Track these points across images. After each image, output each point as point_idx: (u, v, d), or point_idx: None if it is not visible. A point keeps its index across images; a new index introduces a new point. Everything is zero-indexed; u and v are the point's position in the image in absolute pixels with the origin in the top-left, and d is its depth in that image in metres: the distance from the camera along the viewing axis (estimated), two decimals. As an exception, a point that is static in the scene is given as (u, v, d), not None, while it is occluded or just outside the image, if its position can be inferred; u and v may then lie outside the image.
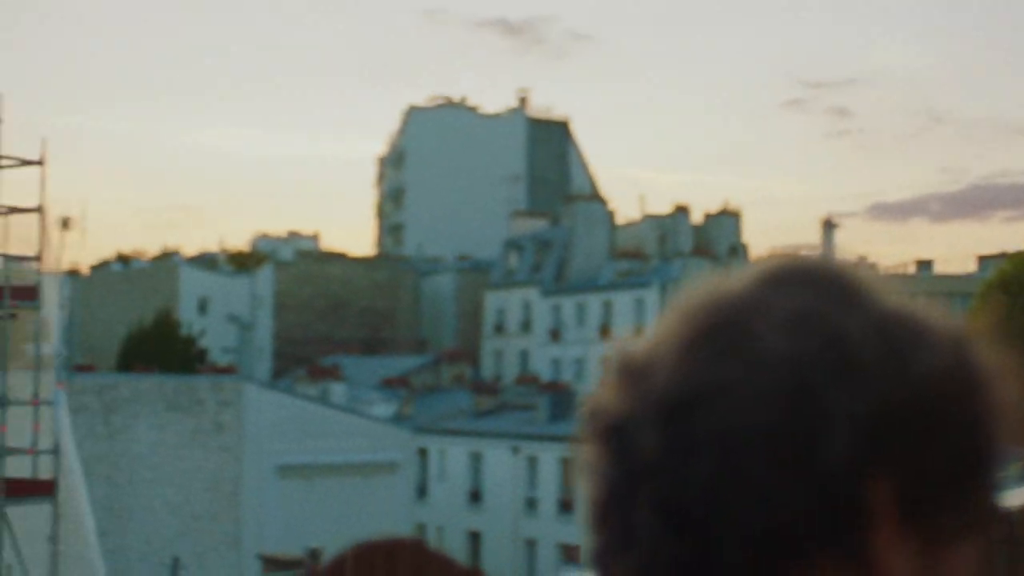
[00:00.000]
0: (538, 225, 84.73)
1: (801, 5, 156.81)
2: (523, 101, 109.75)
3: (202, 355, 74.77)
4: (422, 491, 57.73)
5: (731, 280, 1.03)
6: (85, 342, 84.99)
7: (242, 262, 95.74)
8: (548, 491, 55.22)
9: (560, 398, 58.22)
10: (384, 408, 60.12)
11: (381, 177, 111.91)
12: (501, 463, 57.05)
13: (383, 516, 46.14)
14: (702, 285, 1.04)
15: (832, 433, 0.95)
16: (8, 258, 28.19)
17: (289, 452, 45.64)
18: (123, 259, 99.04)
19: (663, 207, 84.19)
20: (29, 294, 27.99)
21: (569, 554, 54.46)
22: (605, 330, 73.79)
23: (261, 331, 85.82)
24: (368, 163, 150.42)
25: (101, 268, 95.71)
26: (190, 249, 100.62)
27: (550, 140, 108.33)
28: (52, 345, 29.31)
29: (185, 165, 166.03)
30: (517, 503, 56.54)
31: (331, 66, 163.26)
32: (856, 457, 0.95)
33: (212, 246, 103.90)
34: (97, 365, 65.02)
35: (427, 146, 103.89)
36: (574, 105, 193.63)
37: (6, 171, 27.95)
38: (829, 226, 75.68)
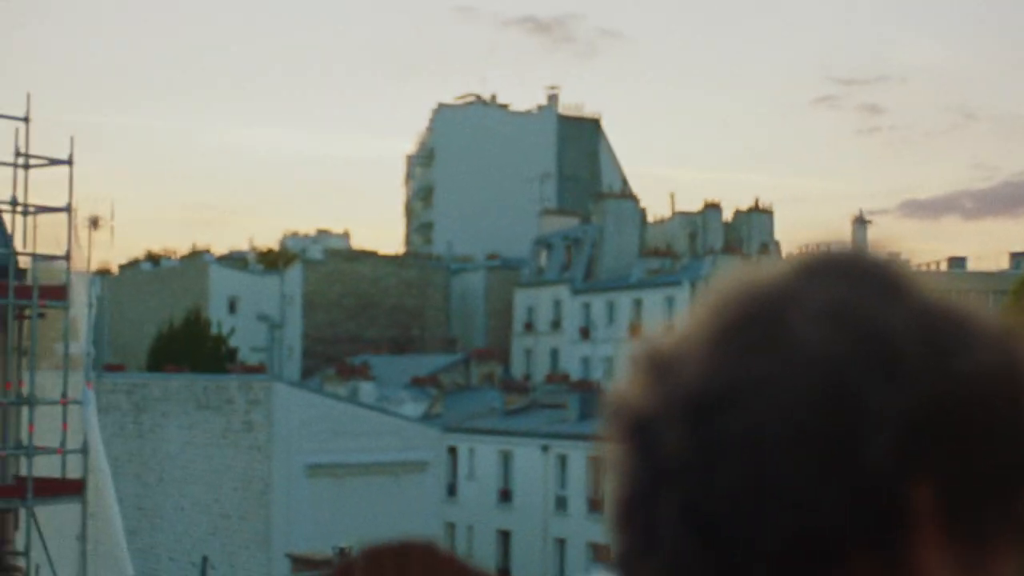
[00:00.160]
0: (568, 223, 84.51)
1: (831, 1, 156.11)
2: (553, 99, 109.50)
3: (232, 354, 74.83)
4: (452, 490, 57.59)
5: (764, 272, 0.98)
6: (115, 341, 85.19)
7: (271, 261, 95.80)
8: (578, 490, 55.00)
9: (590, 397, 57.95)
10: (413, 407, 59.97)
11: (410, 175, 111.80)
12: (531, 462, 56.85)
13: (412, 515, 45.97)
14: (733, 277, 0.98)
15: (873, 434, 0.90)
16: (37, 257, 28.18)
17: (318, 451, 45.52)
18: (153, 258, 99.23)
19: (693, 205, 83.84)
20: (58, 294, 27.98)
21: (599, 553, 54.28)
22: (635, 328, 72.58)
23: (291, 330, 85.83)
24: (398, 161, 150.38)
25: (131, 267, 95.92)
26: (220, 248, 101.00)
27: (580, 138, 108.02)
28: (81, 344, 29.23)
29: (215, 164, 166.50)
30: (547, 502, 56.35)
31: (361, 64, 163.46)
32: (898, 459, 0.90)
33: (242, 245, 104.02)
34: (127, 364, 65.14)
35: (456, 144, 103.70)
36: (604, 103, 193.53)
37: (34, 170, 27.92)
38: (860, 223, 75.25)
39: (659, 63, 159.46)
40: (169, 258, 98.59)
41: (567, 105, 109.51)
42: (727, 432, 0.91)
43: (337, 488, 45.61)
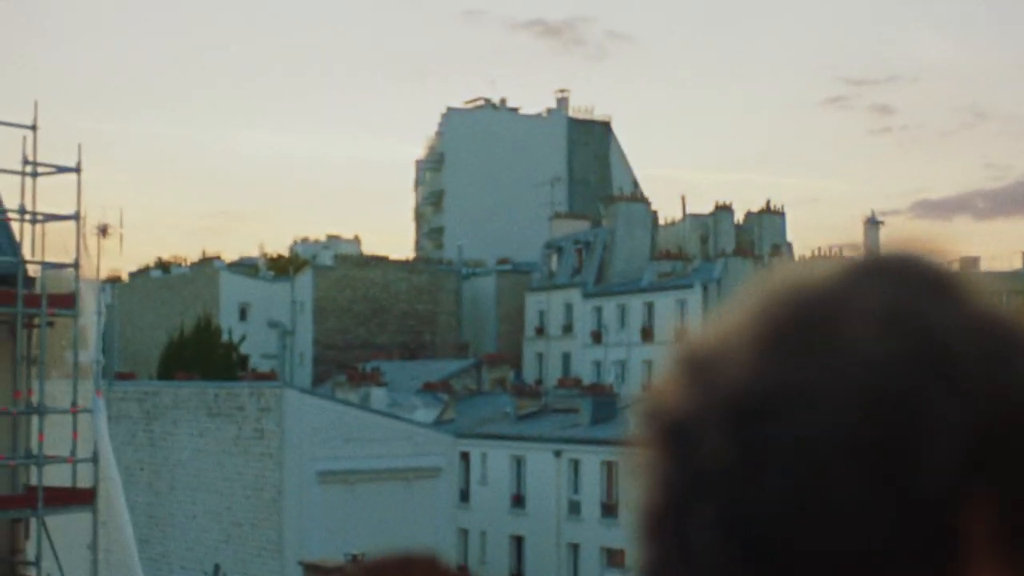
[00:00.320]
0: (579, 226, 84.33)
1: (841, 1, 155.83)
2: (563, 102, 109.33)
3: (243, 361, 74.72)
4: (464, 496, 57.38)
5: (812, 274, 0.91)
6: (126, 349, 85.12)
7: (282, 267, 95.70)
8: (591, 495, 54.79)
9: (602, 401, 57.78)
10: (425, 413, 59.79)
11: (420, 180, 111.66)
12: (544, 467, 56.65)
13: (425, 522, 45.79)
14: (779, 278, 0.92)
15: (933, 446, 0.83)
16: (45, 266, 28.04)
17: (330, 458, 45.35)
18: (163, 266, 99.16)
19: (705, 207, 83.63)
20: (67, 302, 27.83)
21: (613, 558, 54.04)
22: (647, 332, 73.30)
23: (301, 336, 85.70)
24: (407, 166, 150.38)
25: (141, 275, 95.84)
26: (230, 255, 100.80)
27: (590, 141, 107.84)
28: (90, 353, 29.10)
29: (224, 170, 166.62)
30: (560, 507, 56.15)
31: (370, 69, 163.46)
32: (961, 473, 0.83)
33: (252, 251, 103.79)
34: (138, 372, 65.04)
35: (466, 148, 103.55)
36: (614, 105, 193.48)
37: (42, 178, 27.78)
38: (872, 224, 74.99)
39: (669, 65, 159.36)
40: (179, 265, 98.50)
41: (577, 108, 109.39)
42: (773, 438, 0.85)
43: (349, 495, 45.43)
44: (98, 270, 31.67)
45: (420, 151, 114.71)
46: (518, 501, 58.15)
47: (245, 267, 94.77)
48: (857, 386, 0.84)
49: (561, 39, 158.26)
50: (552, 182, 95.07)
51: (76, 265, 27.91)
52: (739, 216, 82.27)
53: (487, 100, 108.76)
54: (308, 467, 44.93)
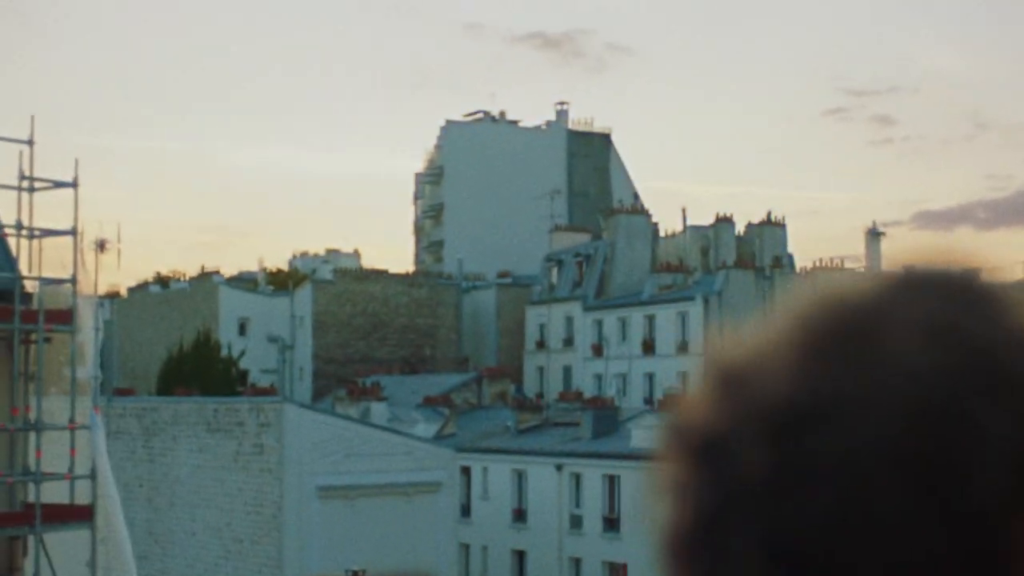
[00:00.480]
0: (579, 239, 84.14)
1: (841, 13, 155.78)
2: (562, 114, 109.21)
3: (242, 376, 74.50)
4: (465, 511, 57.12)
5: (853, 286, 0.90)
6: (125, 365, 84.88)
7: (281, 282, 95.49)
8: (593, 509, 54.56)
9: (604, 414, 57.55)
10: (426, 427, 59.54)
11: (419, 193, 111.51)
12: (545, 481, 56.40)
13: (426, 537, 45.54)
14: (818, 291, 0.90)
15: (980, 459, 0.81)
16: (43, 281, 27.88)
17: (330, 473, 45.12)
18: (162, 281, 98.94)
19: (705, 219, 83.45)
20: (64, 318, 27.69)
21: (615, 573, 53.78)
22: (648, 345, 73.08)
23: (301, 351, 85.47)
24: (407, 179, 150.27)
25: (139, 290, 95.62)
26: (229, 269, 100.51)
27: (590, 153, 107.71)
28: (88, 369, 28.91)
29: (223, 184, 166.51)
30: (562, 521, 55.90)
31: (369, 82, 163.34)
32: (1006, 488, 0.81)
33: (251, 266, 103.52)
34: (137, 388, 64.84)
35: (466, 161, 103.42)
36: (613, 118, 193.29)
37: (39, 193, 27.63)
38: (874, 235, 74.81)
39: (669, 77, 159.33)
40: (178, 280, 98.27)
41: (577, 120, 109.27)
42: (815, 450, 0.83)
43: (349, 510, 45.18)
44: (96, 285, 31.54)
45: (419, 164, 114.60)
46: (519, 515, 57.89)
47: (244, 282, 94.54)
48: (901, 397, 0.82)
49: (561, 51, 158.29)
50: (552, 195, 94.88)
51: (74, 280, 27.76)
52: (740, 228, 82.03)
53: (486, 113, 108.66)
54: (308, 482, 44.69)
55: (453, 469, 49.90)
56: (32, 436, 27.29)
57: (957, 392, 0.82)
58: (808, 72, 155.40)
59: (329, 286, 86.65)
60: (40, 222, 27.55)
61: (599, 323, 76.78)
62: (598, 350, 76.08)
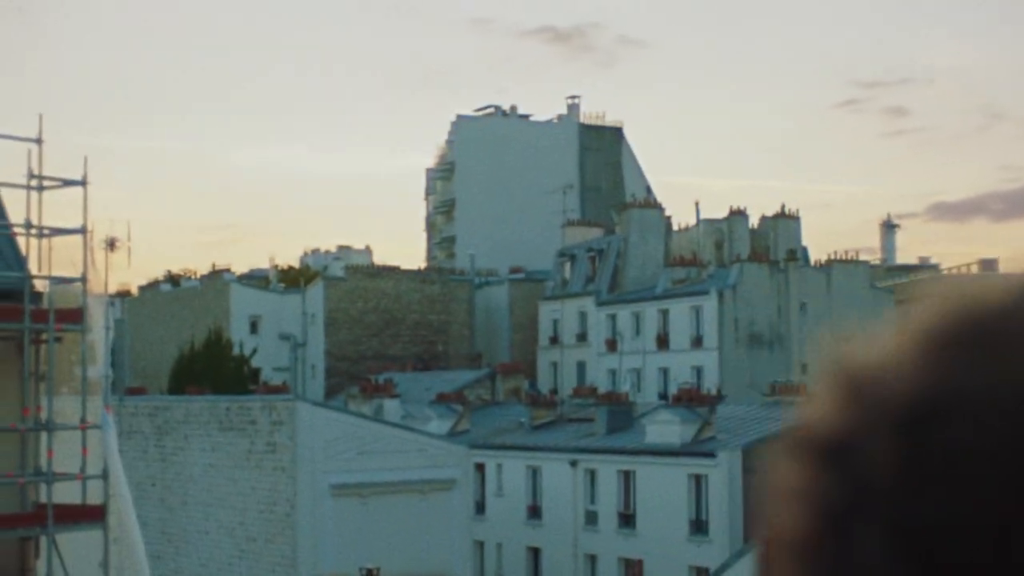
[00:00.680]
0: (592, 234, 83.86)
1: (852, 5, 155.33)
2: (573, 108, 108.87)
3: (254, 374, 74.32)
4: (480, 508, 56.90)
5: (983, 288, 0.90)
6: (136, 364, 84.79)
7: (293, 279, 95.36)
8: (608, 505, 54.29)
9: (618, 409, 57.28)
10: (439, 424, 59.34)
11: (431, 189, 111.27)
12: (559, 477, 56.15)
13: (440, 534, 45.30)
14: (945, 292, 0.90)
15: None
16: (53, 280, 27.66)
17: (343, 471, 44.88)
18: (173, 279, 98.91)
19: (719, 212, 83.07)
20: (74, 317, 27.46)
21: (630, 569, 53.51)
22: (662, 339, 72.79)
23: (313, 349, 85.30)
24: (418, 175, 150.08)
25: (151, 289, 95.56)
26: (240, 267, 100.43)
27: (602, 147, 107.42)
28: (99, 368, 28.69)
29: (233, 182, 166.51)
30: (576, 518, 55.64)
31: (379, 79, 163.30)
32: None
33: (262, 263, 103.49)
34: (149, 387, 64.71)
35: (477, 156, 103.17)
36: (624, 112, 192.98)
37: (48, 192, 27.39)
38: (889, 227, 74.46)
39: (680, 70, 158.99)
40: (189, 278, 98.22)
41: (588, 114, 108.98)
42: (942, 445, 0.82)
43: (363, 508, 44.94)
44: (106, 284, 31.30)
45: (430, 160, 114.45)
46: (534, 512, 57.65)
47: (255, 279, 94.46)
48: None
49: (571, 45, 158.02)
50: (564, 189, 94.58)
51: (83, 279, 27.53)
52: (754, 221, 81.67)
53: (497, 107, 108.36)
54: (321, 480, 44.46)
55: (467, 466, 49.64)
56: (43, 436, 27.10)
57: None
58: (820, 64, 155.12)
59: (341, 283, 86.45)
60: (49, 221, 27.33)
61: (613, 318, 76.50)
62: (612, 345, 75.81)
